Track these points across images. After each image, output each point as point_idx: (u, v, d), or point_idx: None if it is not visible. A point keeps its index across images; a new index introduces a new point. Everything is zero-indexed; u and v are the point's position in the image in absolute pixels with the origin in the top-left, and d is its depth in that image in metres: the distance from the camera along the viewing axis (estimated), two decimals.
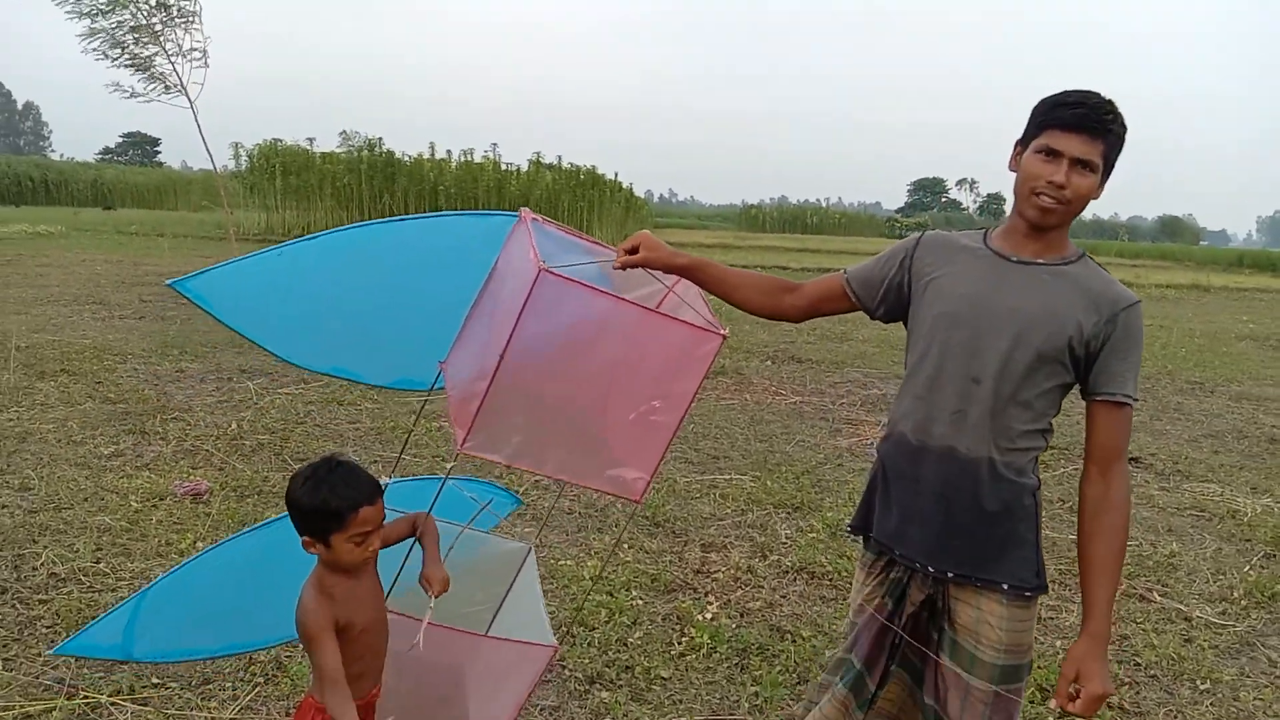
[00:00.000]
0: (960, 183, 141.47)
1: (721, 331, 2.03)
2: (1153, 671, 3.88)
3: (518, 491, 3.82)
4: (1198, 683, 3.81)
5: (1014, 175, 2.07)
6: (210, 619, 2.55)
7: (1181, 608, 4.52)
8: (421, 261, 2.36)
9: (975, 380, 2.03)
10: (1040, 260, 2.05)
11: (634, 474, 2.11)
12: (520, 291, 1.87)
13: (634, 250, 2.16)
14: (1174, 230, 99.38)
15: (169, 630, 2.51)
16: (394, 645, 2.22)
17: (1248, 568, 5.08)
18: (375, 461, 5.94)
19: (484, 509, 2.84)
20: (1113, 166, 2.00)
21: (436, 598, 2.15)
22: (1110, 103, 1.96)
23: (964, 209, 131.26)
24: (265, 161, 29.96)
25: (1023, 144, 2.06)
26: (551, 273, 1.84)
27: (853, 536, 2.38)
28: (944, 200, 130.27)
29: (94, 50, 9.75)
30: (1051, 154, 1.96)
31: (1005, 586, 2.06)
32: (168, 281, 2.17)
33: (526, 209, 2.22)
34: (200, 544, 4.43)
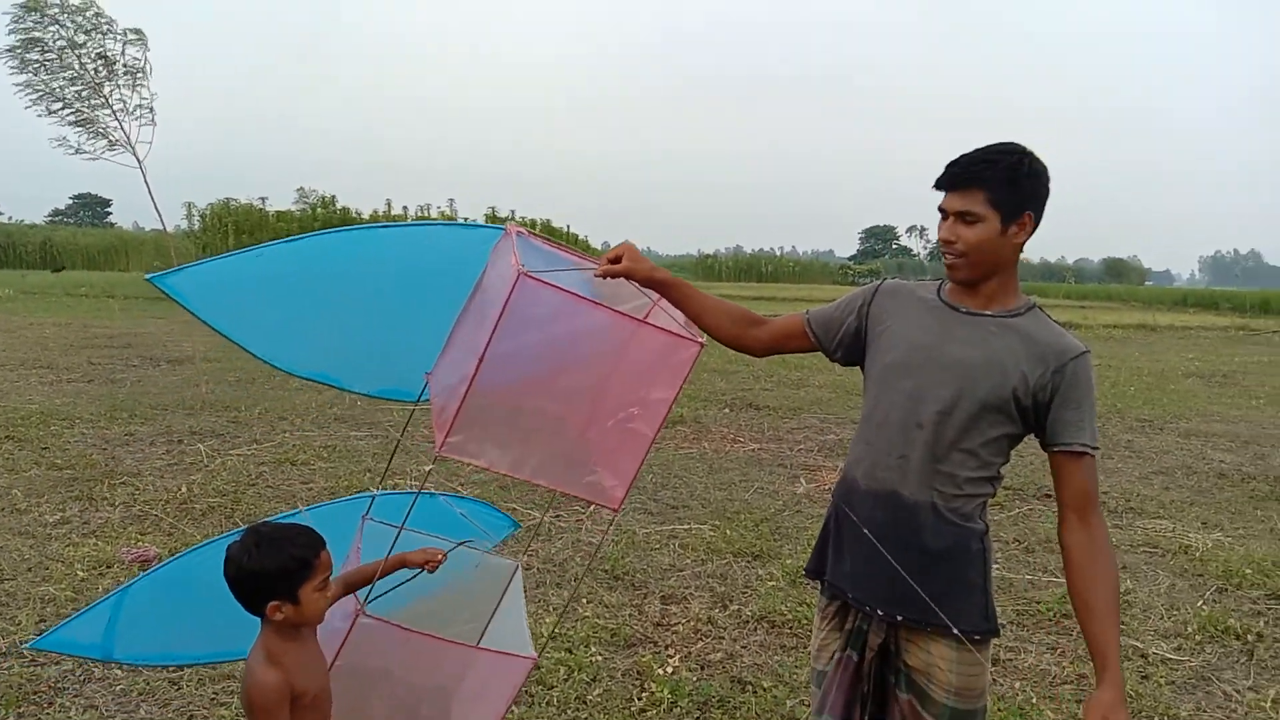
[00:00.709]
0: (910, 229, 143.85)
1: (699, 339, 2.06)
2: None
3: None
4: None
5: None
6: (194, 623, 2.48)
7: (1138, 644, 4.56)
8: (406, 271, 2.37)
9: (918, 426, 2.08)
10: (988, 312, 2.11)
11: (612, 481, 2.13)
12: (501, 296, 1.89)
13: (616, 260, 2.19)
14: (1119, 272, 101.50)
15: (151, 631, 2.45)
16: (382, 662, 2.20)
17: (1200, 602, 5.14)
18: None
19: (467, 519, 2.87)
20: (1016, 206, 2.02)
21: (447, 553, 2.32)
22: (990, 150, 2.03)
23: (915, 255, 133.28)
24: (218, 221, 29.81)
25: None
26: (530, 276, 1.86)
27: (809, 581, 2.39)
28: (895, 247, 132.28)
29: (35, 105, 9.68)
30: (941, 213, 2.09)
31: (956, 631, 2.07)
32: (147, 276, 2.14)
33: (513, 223, 2.25)
34: None
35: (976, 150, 2.05)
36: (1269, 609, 5.08)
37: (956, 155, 2.08)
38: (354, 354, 2.47)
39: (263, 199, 31.46)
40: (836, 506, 2.26)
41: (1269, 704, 3.98)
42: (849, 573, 2.19)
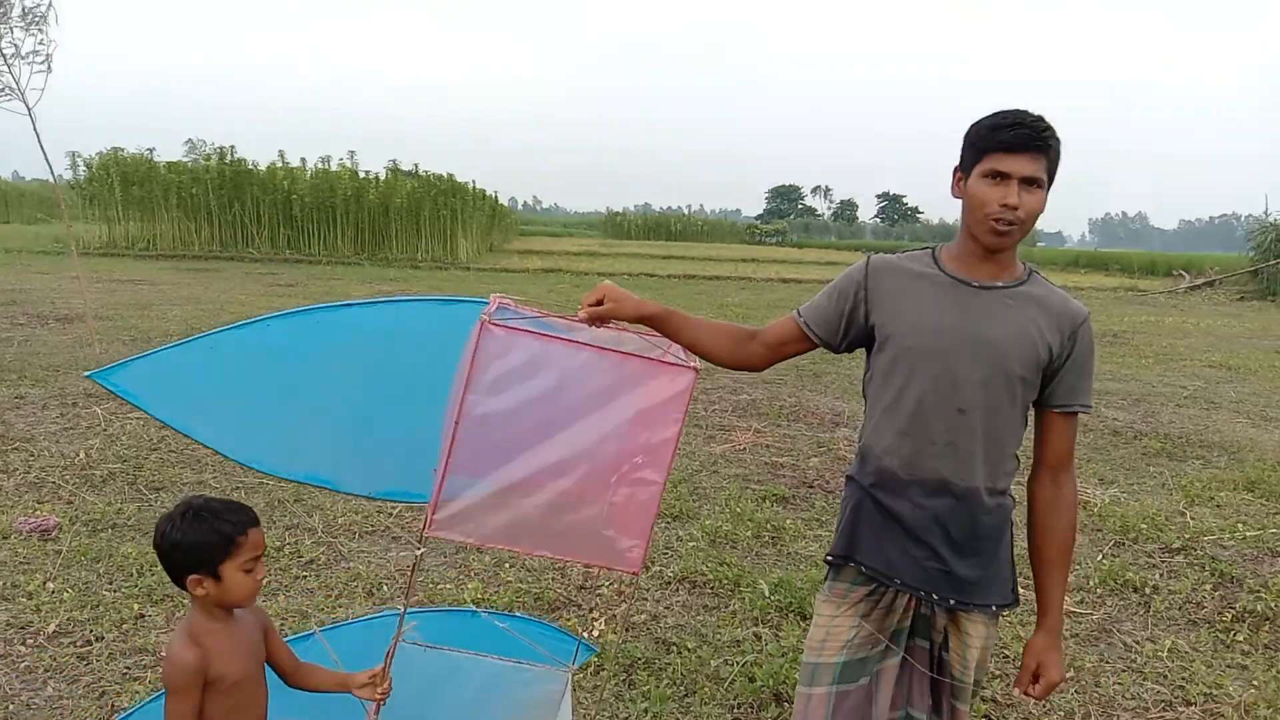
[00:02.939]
0: (815, 190, 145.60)
1: (693, 365, 1.93)
2: (1020, 663, 4.03)
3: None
4: None
5: (959, 201, 2.09)
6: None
7: None
8: (388, 355, 2.15)
9: (961, 411, 2.04)
10: (999, 283, 2.07)
11: (627, 542, 1.99)
12: (468, 355, 1.76)
13: (598, 302, 2.08)
14: None
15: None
16: None
17: (1100, 557, 5.36)
18: (238, 488, 5.68)
19: (521, 639, 2.61)
20: (1054, 175, 2.02)
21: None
22: (1043, 118, 1.99)
23: (819, 215, 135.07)
24: (105, 172, 28.43)
25: (963, 170, 2.06)
26: (495, 324, 1.74)
27: (831, 566, 2.27)
28: (800, 207, 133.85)
29: None
30: (999, 177, 1.97)
31: (993, 607, 2.11)
32: (87, 373, 1.95)
33: (497, 294, 2.06)
34: (50, 584, 4.14)
35: (1026, 113, 1.97)
36: (1163, 561, 5.33)
37: (1001, 115, 1.99)
38: (344, 451, 2.21)
39: (150, 149, 30.04)
40: (871, 496, 2.16)
41: (1165, 654, 4.18)
42: (897, 560, 2.13)
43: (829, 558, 2.27)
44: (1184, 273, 34.79)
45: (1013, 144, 1.95)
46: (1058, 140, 2.00)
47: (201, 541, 1.91)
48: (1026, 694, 2.15)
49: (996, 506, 2.10)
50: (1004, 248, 2.05)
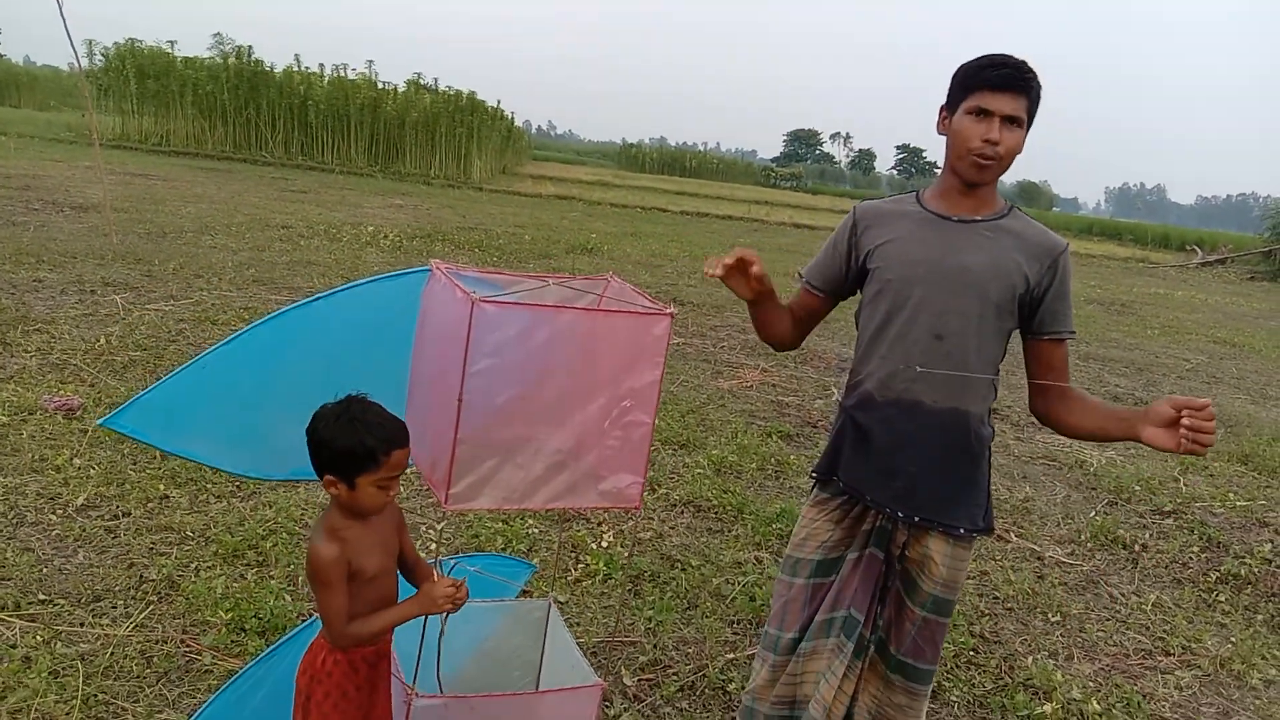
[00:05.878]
0: (834, 136, 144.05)
1: (668, 310, 2.04)
2: (1009, 605, 4.19)
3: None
4: (1049, 616, 4.14)
5: (943, 139, 2.19)
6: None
7: (1035, 548, 4.88)
8: (343, 342, 2.23)
9: (938, 337, 2.16)
10: (979, 217, 2.19)
11: (626, 480, 2.11)
12: (458, 333, 1.84)
13: (746, 263, 2.26)
14: (1030, 195, 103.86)
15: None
16: None
17: (1093, 513, 5.50)
18: None
19: (484, 575, 2.79)
20: (1034, 117, 2.14)
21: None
22: (1026, 62, 2.10)
23: (836, 162, 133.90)
24: (121, 63, 28.07)
25: (949, 109, 2.17)
26: (485, 301, 1.83)
27: (816, 482, 2.44)
28: (818, 152, 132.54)
29: None
30: (982, 113, 2.08)
31: (961, 530, 2.21)
32: (99, 421, 1.99)
33: (436, 260, 2.16)
34: (77, 460, 4.27)
35: (1011, 57, 2.08)
36: (1154, 523, 5.47)
37: (988, 56, 2.10)
38: None
39: (171, 43, 29.58)
40: (851, 418, 2.30)
41: (1149, 607, 4.33)
42: (868, 477, 2.26)
43: (813, 474, 2.46)
44: (1197, 248, 34.70)
45: (997, 83, 2.07)
46: (1039, 84, 2.10)
47: (345, 449, 1.89)
48: (1193, 423, 1.88)
49: (970, 431, 2.20)
50: (984, 181, 2.16)
